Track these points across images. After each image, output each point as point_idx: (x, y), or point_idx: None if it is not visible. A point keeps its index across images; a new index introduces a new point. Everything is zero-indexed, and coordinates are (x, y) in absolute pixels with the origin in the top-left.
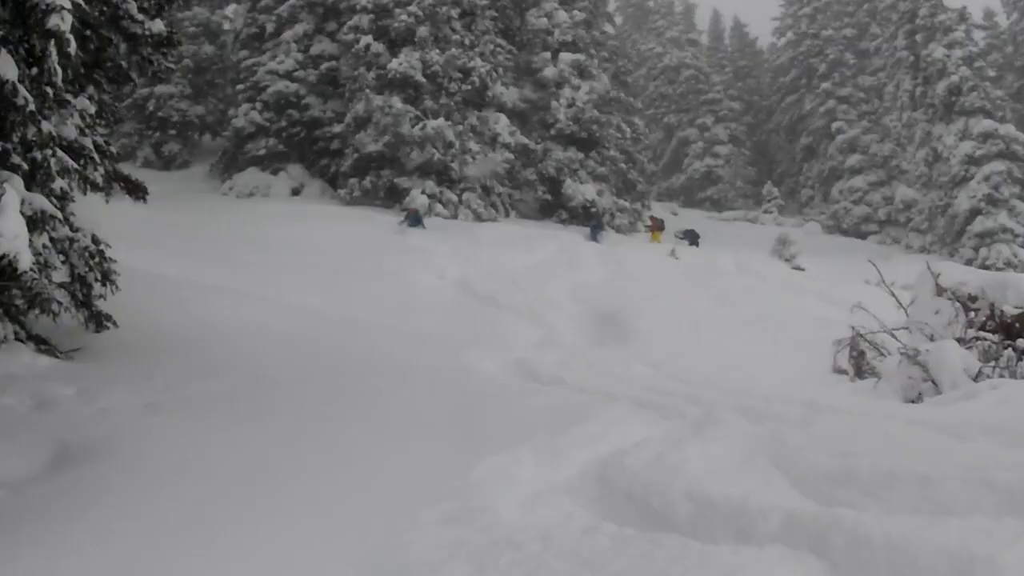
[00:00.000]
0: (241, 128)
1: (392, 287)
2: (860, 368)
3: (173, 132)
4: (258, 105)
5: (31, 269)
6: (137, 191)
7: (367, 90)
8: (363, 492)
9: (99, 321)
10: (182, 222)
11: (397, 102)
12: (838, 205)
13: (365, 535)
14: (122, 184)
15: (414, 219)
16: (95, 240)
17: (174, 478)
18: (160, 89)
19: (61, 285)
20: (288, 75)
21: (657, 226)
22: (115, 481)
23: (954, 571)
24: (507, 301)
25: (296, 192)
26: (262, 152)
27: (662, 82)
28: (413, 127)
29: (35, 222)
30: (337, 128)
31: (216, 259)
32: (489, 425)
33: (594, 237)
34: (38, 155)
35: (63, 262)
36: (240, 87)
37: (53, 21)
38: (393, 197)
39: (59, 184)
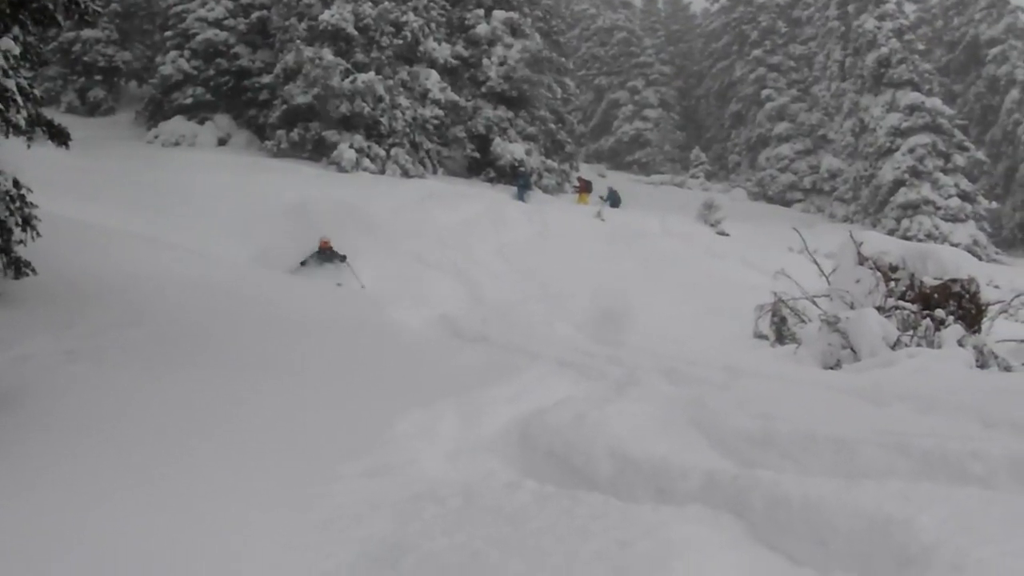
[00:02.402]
0: (168, 76)
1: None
2: (781, 334)
3: (99, 78)
4: (186, 53)
5: None
6: (60, 136)
7: (298, 41)
8: (287, 444)
9: (18, 267)
10: (106, 169)
11: (328, 54)
12: (764, 172)
13: (289, 487)
14: (45, 129)
15: (326, 255)
16: (16, 184)
17: (97, 426)
18: (86, 33)
19: None
20: (218, 23)
21: (585, 187)
22: (35, 428)
23: (871, 532)
24: (433, 258)
25: (223, 142)
26: (189, 101)
27: (594, 43)
28: (343, 80)
29: None
30: (266, 79)
31: (140, 208)
32: (413, 380)
33: (521, 196)
34: None
35: None
36: (168, 34)
37: None
38: (321, 150)
39: None
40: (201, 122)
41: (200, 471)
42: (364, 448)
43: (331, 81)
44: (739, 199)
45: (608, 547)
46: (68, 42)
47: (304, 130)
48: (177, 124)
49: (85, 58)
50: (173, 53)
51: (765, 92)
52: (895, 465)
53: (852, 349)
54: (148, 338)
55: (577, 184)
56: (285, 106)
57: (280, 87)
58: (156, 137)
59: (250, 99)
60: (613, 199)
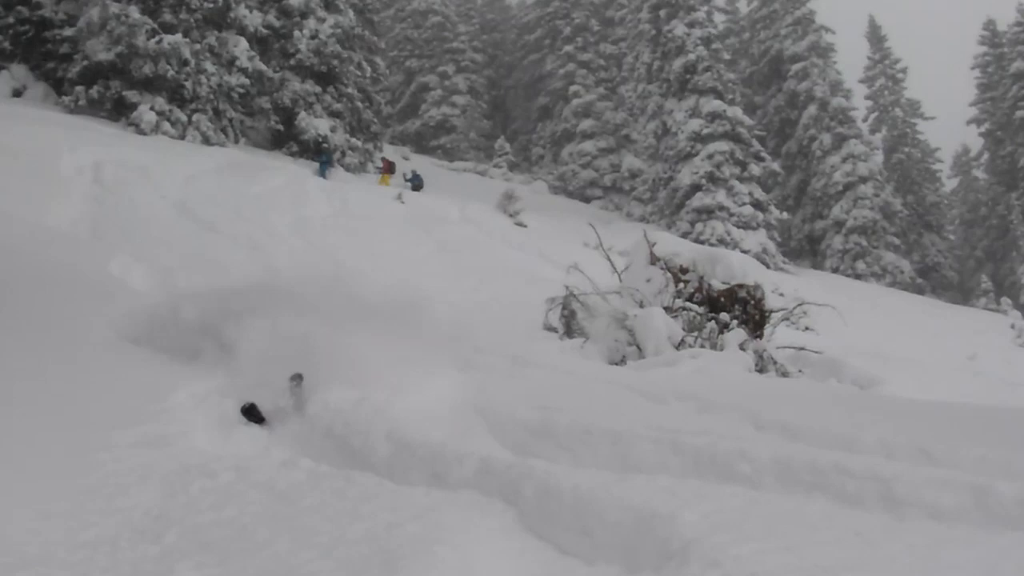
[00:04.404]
0: None
1: (108, 203)
2: (570, 327)
3: None
4: None
5: None
6: None
7: None
8: (55, 411)
9: None
10: None
11: (134, 12)
12: (567, 167)
13: (55, 455)
14: None
15: None
16: None
17: None
18: None
19: None
20: None
21: (388, 168)
22: None
23: (637, 526)
24: (227, 228)
25: (18, 93)
26: None
27: (408, 25)
28: (148, 40)
29: None
30: (68, 32)
31: None
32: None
33: (322, 173)
34: None
35: None
36: None
37: None
38: (120, 110)
39: None
40: None
41: None
42: (137, 418)
43: (136, 40)
44: (540, 192)
45: (376, 528)
46: None
47: (104, 88)
48: None
49: None
50: None
51: (573, 88)
52: (667, 462)
53: (638, 346)
54: None
55: (380, 165)
56: (86, 62)
57: (82, 42)
58: None
59: (50, 51)
60: (415, 182)
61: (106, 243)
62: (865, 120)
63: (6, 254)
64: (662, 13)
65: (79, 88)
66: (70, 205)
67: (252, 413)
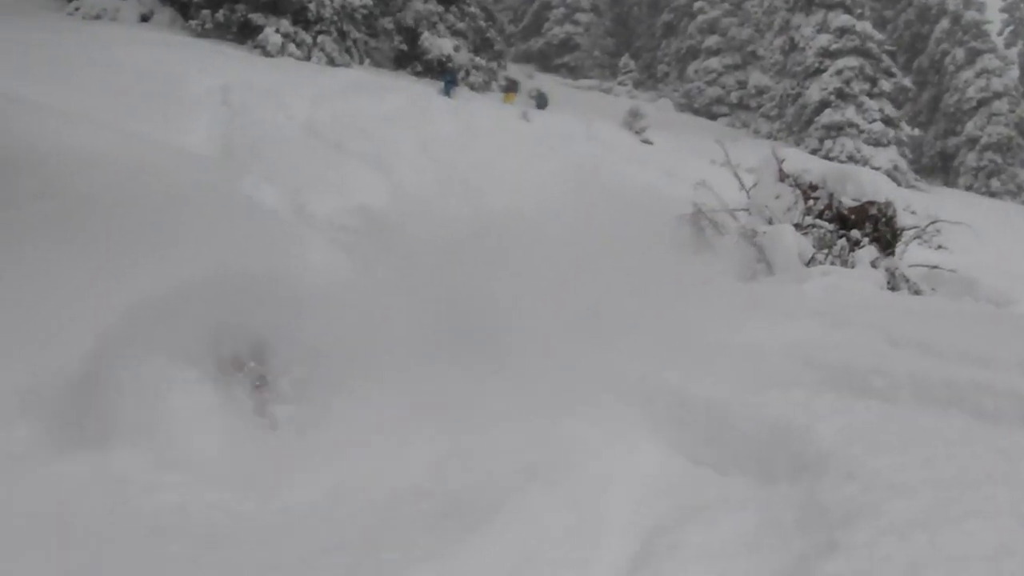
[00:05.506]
0: None
1: (236, 124)
2: (699, 244)
3: None
4: None
5: None
6: None
7: None
8: None
9: None
10: (21, 39)
11: None
12: (692, 84)
13: None
14: None
15: None
16: None
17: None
18: None
19: None
20: None
21: (512, 87)
22: None
23: (771, 438)
24: (354, 148)
25: (145, 19)
26: None
27: None
28: None
29: None
30: None
31: (55, 80)
32: None
33: (447, 92)
34: None
35: None
36: None
37: None
38: (246, 33)
39: None
40: None
41: None
42: None
43: None
44: (665, 109)
45: (517, 441)
46: None
47: (230, 11)
48: None
49: None
50: None
51: (697, 4)
52: (800, 376)
53: (768, 263)
54: (60, 211)
55: (505, 84)
56: None
57: None
58: (77, 9)
59: None
60: (540, 101)
61: (236, 163)
62: (1000, 34)
63: (142, 174)
64: None
65: (205, 12)
66: (200, 126)
67: None
